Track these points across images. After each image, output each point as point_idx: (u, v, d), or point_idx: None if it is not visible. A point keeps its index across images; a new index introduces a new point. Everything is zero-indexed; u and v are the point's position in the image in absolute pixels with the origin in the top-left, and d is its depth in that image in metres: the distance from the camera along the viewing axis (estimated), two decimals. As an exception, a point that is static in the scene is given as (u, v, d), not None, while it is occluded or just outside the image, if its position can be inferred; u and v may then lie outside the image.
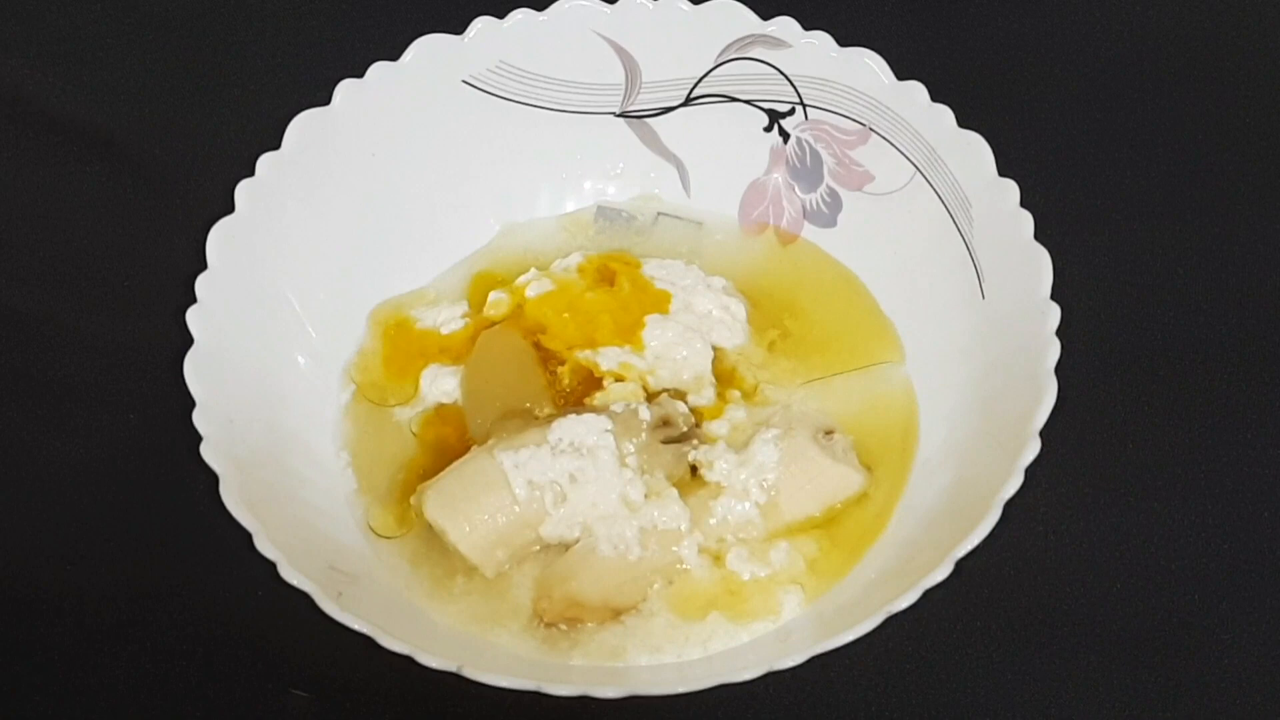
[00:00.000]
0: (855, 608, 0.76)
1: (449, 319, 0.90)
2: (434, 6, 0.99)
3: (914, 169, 0.89)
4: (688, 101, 0.94)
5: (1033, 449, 0.74)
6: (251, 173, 0.86)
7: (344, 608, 0.71)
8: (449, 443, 0.85)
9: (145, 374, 0.89)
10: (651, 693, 0.72)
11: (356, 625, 0.71)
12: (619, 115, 0.94)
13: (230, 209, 0.85)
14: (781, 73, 0.91)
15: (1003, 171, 0.85)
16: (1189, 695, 0.80)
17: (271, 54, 1.05)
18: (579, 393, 0.86)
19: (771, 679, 0.72)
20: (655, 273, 0.90)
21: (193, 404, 0.78)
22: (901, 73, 0.88)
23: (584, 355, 0.86)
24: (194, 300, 0.82)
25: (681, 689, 0.72)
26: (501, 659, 0.78)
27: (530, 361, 0.86)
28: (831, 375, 0.88)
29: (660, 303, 0.88)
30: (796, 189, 0.94)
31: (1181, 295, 0.93)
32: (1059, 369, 0.77)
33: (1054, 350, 0.78)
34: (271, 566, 0.72)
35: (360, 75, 0.90)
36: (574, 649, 0.79)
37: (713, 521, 0.82)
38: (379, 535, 0.82)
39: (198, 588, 0.82)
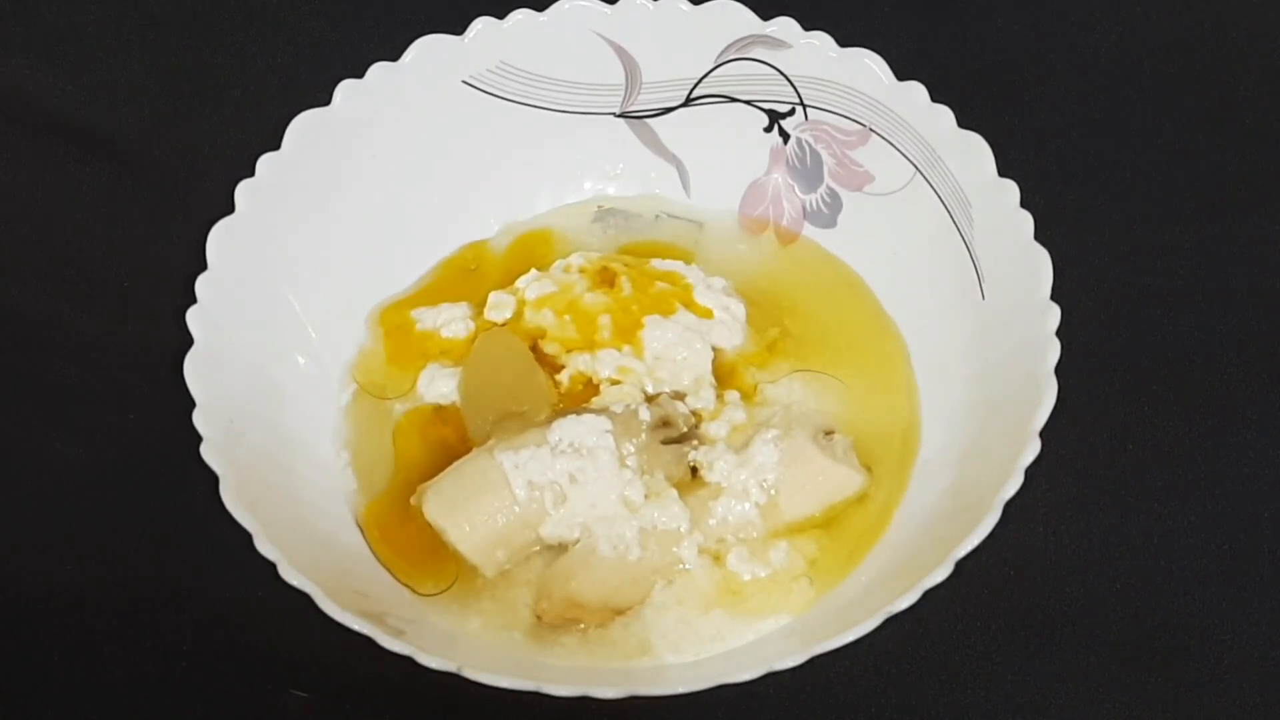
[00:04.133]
0: (855, 608, 0.76)
1: (449, 320, 0.89)
2: (434, 6, 0.99)
3: (914, 169, 0.89)
4: (688, 102, 0.94)
5: (1033, 449, 0.74)
6: (251, 173, 0.86)
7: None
8: (449, 443, 0.85)
9: (145, 374, 0.89)
10: (651, 693, 0.72)
11: (356, 625, 0.71)
12: (619, 115, 0.94)
13: (230, 209, 0.85)
14: (781, 73, 0.91)
15: (1003, 171, 0.85)
16: (1189, 695, 0.80)
17: (271, 54, 1.05)
18: (577, 397, 0.86)
19: (771, 679, 0.72)
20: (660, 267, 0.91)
21: (193, 404, 0.78)
22: (901, 73, 0.88)
23: (582, 362, 0.86)
24: (194, 300, 0.82)
25: (681, 689, 0.72)
26: (501, 659, 0.78)
27: (528, 365, 0.86)
28: (821, 369, 0.88)
29: (660, 304, 0.88)
30: (796, 189, 0.94)
31: (1181, 295, 0.93)
32: (1059, 369, 0.77)
33: (1054, 350, 0.78)
34: (271, 566, 0.72)
35: (360, 75, 0.90)
36: (583, 647, 0.79)
37: (712, 522, 0.82)
38: (423, 595, 0.81)
39: (198, 588, 0.82)
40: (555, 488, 0.81)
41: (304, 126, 0.88)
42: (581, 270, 0.90)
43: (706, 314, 0.88)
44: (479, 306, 0.90)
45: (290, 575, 0.72)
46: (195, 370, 0.79)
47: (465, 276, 0.93)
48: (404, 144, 0.92)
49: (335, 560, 0.79)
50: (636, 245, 0.94)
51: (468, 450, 0.84)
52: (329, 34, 1.05)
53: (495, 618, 0.80)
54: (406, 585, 0.81)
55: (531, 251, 0.93)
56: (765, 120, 0.93)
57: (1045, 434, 0.75)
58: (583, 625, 0.79)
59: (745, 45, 0.91)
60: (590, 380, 0.86)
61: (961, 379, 0.85)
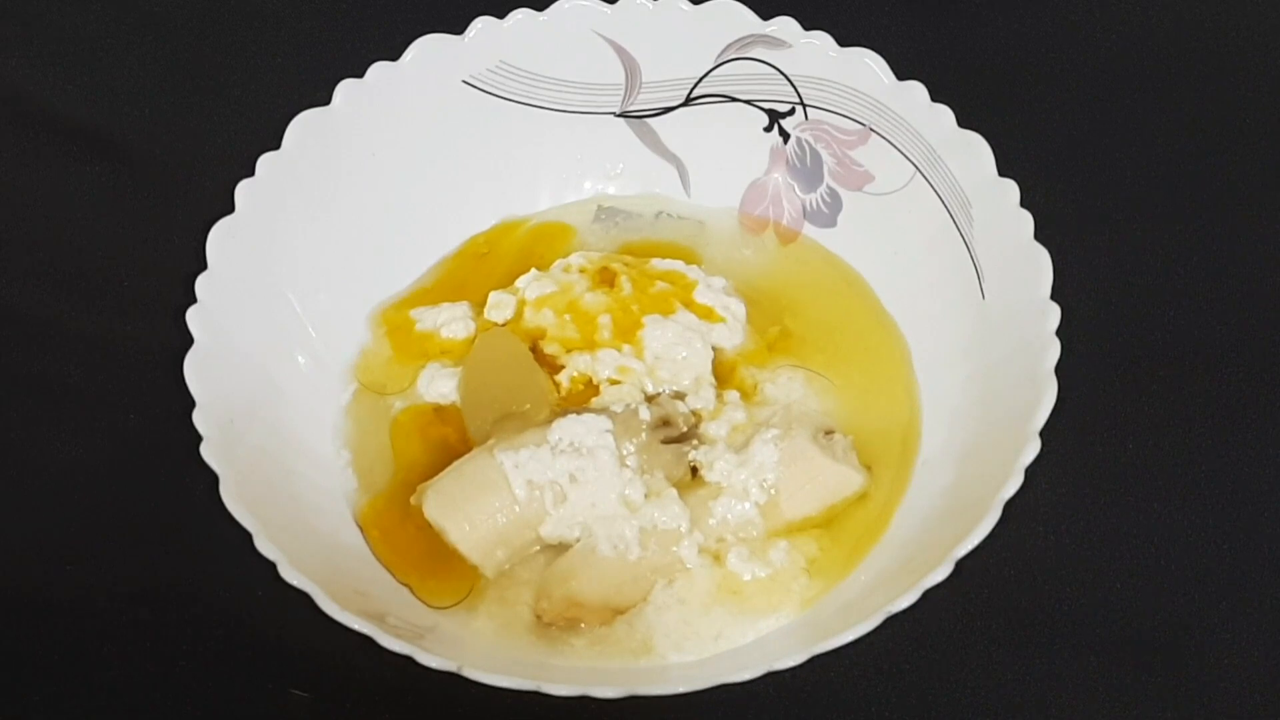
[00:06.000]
0: (855, 608, 0.76)
1: (449, 320, 0.89)
2: (434, 6, 0.99)
3: (914, 169, 0.89)
4: (688, 101, 0.94)
5: (1033, 449, 0.74)
6: (251, 173, 0.86)
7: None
8: (449, 442, 0.85)
9: (145, 374, 0.89)
10: (651, 693, 0.72)
11: (356, 625, 0.71)
12: (619, 115, 0.94)
13: (230, 209, 0.85)
14: (781, 73, 0.91)
15: (1003, 171, 0.85)
16: (1189, 695, 0.80)
17: (271, 54, 1.05)
18: (577, 397, 0.86)
19: (771, 679, 0.72)
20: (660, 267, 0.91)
21: (193, 404, 0.78)
22: (901, 73, 0.88)
23: (583, 362, 0.86)
24: (194, 300, 0.82)
25: (681, 689, 0.72)
26: (502, 659, 0.78)
27: (528, 365, 0.86)
28: (821, 368, 0.88)
29: (660, 304, 0.88)
30: (796, 189, 0.94)
31: (1181, 295, 0.93)
32: (1059, 369, 0.77)
33: (1054, 350, 0.78)
34: (271, 566, 0.72)
35: (360, 75, 0.90)
36: (584, 647, 0.79)
37: (712, 521, 0.82)
38: (436, 607, 0.81)
39: (198, 588, 0.82)
40: (555, 487, 0.81)
41: (304, 126, 0.88)
42: (581, 270, 0.90)
43: (707, 313, 0.88)
44: (479, 306, 0.90)
45: (290, 575, 0.72)
46: (195, 370, 0.79)
47: (474, 263, 0.93)
48: (404, 144, 0.92)
49: (335, 560, 0.79)
50: (637, 245, 0.94)
51: (468, 450, 0.84)
52: (329, 34, 1.05)
53: (503, 620, 0.80)
54: (406, 585, 0.81)
55: (537, 247, 0.93)
56: (765, 120, 0.93)
57: (1045, 434, 0.75)
58: (583, 624, 0.79)
59: (745, 45, 0.91)
60: (590, 380, 0.86)
61: (961, 379, 0.85)
